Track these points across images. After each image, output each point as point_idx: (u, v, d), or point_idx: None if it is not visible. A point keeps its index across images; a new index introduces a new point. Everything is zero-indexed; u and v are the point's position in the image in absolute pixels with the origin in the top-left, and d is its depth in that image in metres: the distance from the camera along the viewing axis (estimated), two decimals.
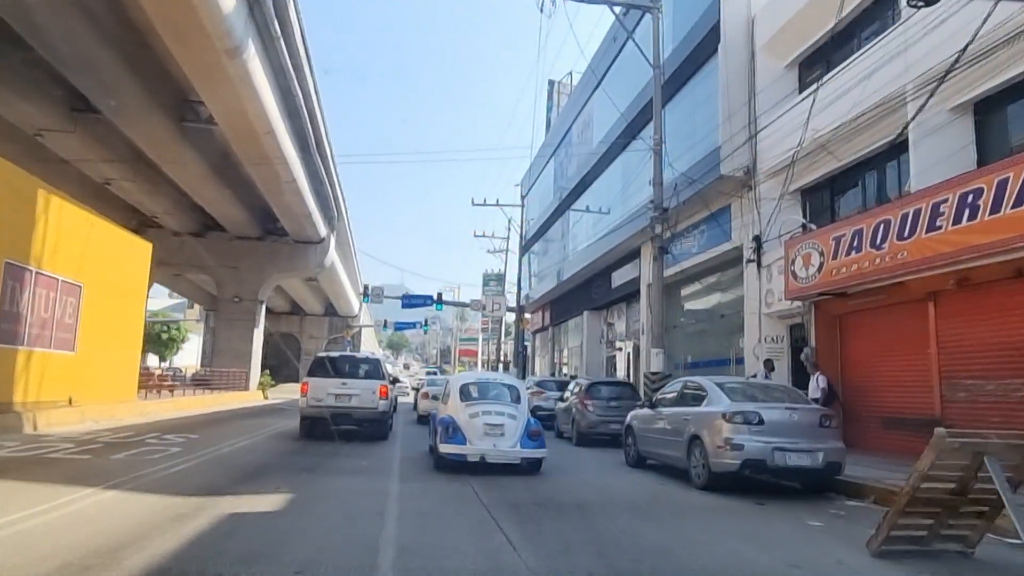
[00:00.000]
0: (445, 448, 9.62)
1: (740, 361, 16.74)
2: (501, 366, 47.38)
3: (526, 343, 37.55)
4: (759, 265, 15.50)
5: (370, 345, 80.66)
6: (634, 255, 22.74)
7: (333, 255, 35.13)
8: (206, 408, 22.71)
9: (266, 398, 32.25)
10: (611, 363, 27.21)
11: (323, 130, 25.64)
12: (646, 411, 11.21)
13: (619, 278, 24.76)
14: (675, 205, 16.63)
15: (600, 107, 24.92)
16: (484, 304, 37.96)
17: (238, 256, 31.67)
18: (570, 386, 17.37)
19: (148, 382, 22.69)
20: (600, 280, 26.94)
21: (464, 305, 37.89)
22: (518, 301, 36.72)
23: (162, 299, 68.14)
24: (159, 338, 50.86)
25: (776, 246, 14.56)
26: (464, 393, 10.37)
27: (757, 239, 15.55)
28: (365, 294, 37.98)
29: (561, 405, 17.31)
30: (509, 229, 42.40)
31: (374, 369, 14.34)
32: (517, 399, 10.46)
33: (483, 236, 42.51)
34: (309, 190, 26.92)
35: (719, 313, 18.96)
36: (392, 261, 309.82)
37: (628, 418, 11.88)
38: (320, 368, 13.87)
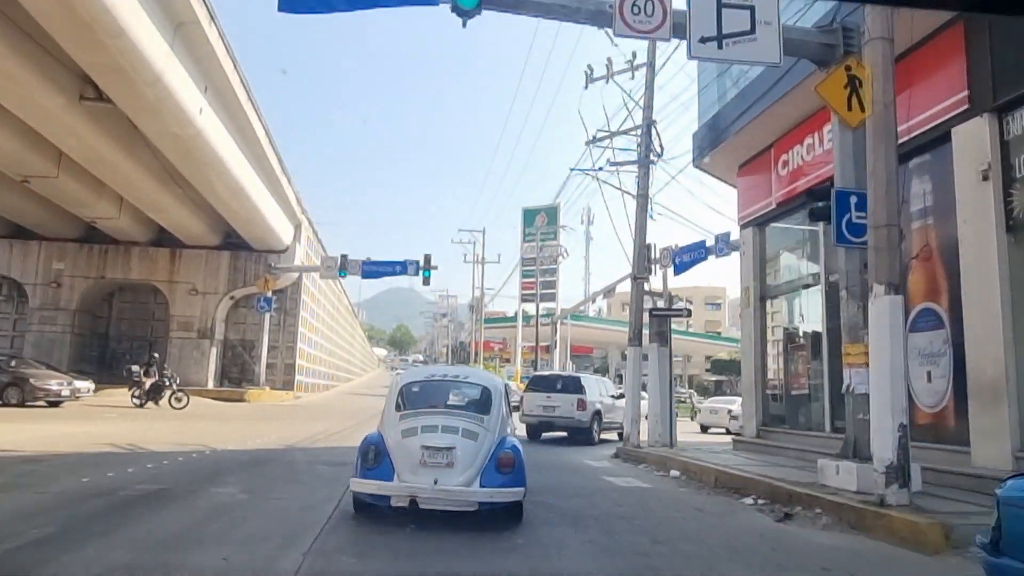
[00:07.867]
0: (359, 484, 6.57)
1: None
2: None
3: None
4: None
5: (328, 317, 43.68)
6: None
7: None
8: None
9: None
10: None
11: None
12: None
13: None
14: None
15: None
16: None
17: None
18: None
19: None
20: None
21: None
22: None
23: None
24: None
25: None
26: (403, 399, 7.10)
27: None
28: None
29: None
30: None
31: None
32: (483, 407, 7.08)
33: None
34: None
35: None
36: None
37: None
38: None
